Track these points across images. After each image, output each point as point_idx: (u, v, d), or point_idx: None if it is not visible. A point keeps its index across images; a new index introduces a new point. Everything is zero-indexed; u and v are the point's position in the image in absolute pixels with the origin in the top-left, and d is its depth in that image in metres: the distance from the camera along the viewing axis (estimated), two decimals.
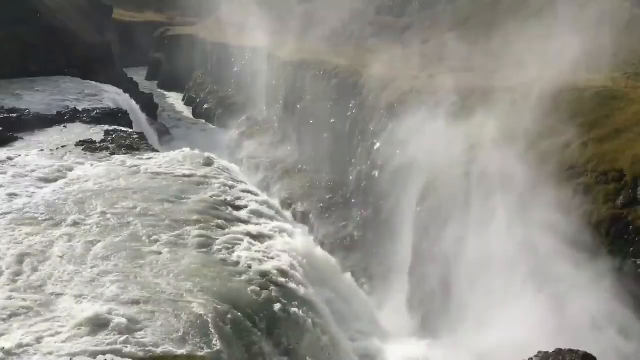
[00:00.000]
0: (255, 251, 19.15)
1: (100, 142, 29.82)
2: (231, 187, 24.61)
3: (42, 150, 28.26)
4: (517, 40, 26.08)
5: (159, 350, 13.19)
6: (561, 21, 25.69)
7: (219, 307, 15.43)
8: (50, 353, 12.83)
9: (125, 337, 13.49)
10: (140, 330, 13.91)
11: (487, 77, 25.61)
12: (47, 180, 23.92)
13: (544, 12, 28.98)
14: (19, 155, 27.15)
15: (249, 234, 20.47)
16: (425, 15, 42.04)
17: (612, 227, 16.56)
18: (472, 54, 30.18)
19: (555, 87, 21.79)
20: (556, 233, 17.40)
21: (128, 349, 13.12)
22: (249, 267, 17.97)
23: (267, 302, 16.77)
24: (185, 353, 13.12)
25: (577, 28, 24.78)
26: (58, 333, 13.55)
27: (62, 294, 15.29)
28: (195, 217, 20.78)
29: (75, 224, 19.59)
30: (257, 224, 21.75)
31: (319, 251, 23.51)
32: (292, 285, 18.16)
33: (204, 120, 67.84)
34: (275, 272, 18.19)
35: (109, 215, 20.36)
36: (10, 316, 14.17)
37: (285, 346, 16.29)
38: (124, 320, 14.06)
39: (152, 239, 18.84)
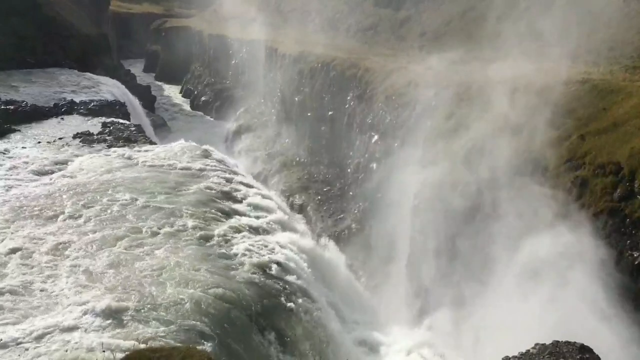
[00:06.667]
0: (253, 243, 19.16)
1: (97, 134, 29.77)
2: (229, 179, 24.61)
3: (39, 142, 28.19)
4: (516, 32, 26.05)
5: (157, 341, 13.22)
6: (560, 14, 25.66)
7: (218, 299, 15.47)
8: (49, 344, 12.87)
9: (122, 327, 13.54)
10: (139, 321, 13.94)
11: (486, 69, 25.57)
12: (44, 173, 23.89)
13: (543, 5, 28.95)
14: (16, 148, 27.09)
15: (246, 226, 20.49)
16: (423, 7, 41.94)
17: (610, 220, 16.58)
18: (470, 46, 30.13)
19: (554, 80, 21.78)
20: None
21: (126, 339, 13.15)
22: (247, 259, 17.99)
23: (265, 294, 16.81)
24: (183, 345, 13.13)
25: (575, 21, 24.77)
26: (56, 324, 13.58)
27: (58, 286, 15.30)
28: (192, 209, 20.78)
29: (73, 216, 19.58)
30: (254, 217, 21.77)
31: (316, 244, 23.52)
32: (289, 277, 18.22)
33: (201, 113, 67.78)
34: (272, 264, 18.23)
35: (106, 207, 20.34)
36: (6, 307, 14.20)
37: (283, 337, 16.34)
38: (121, 311, 14.10)
39: (149, 231, 18.84)
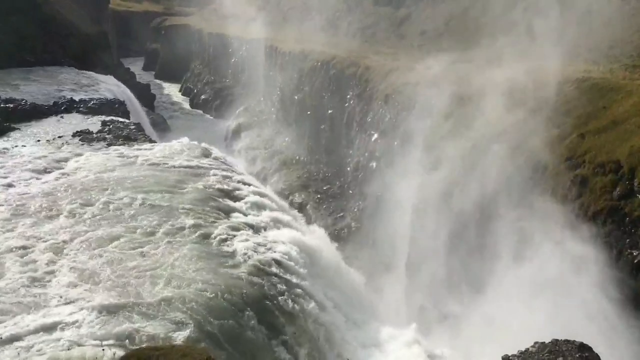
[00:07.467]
0: (253, 242, 19.15)
1: (97, 133, 29.73)
2: (229, 178, 24.58)
3: (38, 140, 28.15)
4: (515, 31, 26.02)
5: (156, 339, 13.21)
6: (560, 13, 25.62)
7: (217, 297, 15.46)
8: (42, 344, 12.85)
9: (122, 326, 13.52)
10: (138, 319, 13.92)
11: (485, 68, 25.54)
12: (43, 171, 23.84)
13: (542, 4, 28.91)
14: (16, 146, 27.05)
15: (246, 225, 20.47)
16: (423, 6, 41.91)
17: (609, 218, 16.56)
18: (470, 45, 30.09)
19: (553, 79, 21.75)
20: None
21: (125, 337, 13.14)
22: (246, 257, 17.98)
23: (264, 293, 16.80)
24: (181, 342, 13.13)
25: (575, 20, 24.74)
26: (50, 322, 13.55)
27: (53, 284, 15.27)
28: (192, 207, 20.75)
29: (71, 214, 19.54)
30: (254, 215, 21.75)
31: (316, 242, 23.48)
32: (289, 276, 18.20)
33: (201, 111, 67.84)
34: (272, 262, 18.22)
35: (104, 206, 20.31)
36: (6, 304, 14.19)
37: (282, 336, 16.33)
38: (120, 310, 14.08)
39: (148, 229, 18.81)
